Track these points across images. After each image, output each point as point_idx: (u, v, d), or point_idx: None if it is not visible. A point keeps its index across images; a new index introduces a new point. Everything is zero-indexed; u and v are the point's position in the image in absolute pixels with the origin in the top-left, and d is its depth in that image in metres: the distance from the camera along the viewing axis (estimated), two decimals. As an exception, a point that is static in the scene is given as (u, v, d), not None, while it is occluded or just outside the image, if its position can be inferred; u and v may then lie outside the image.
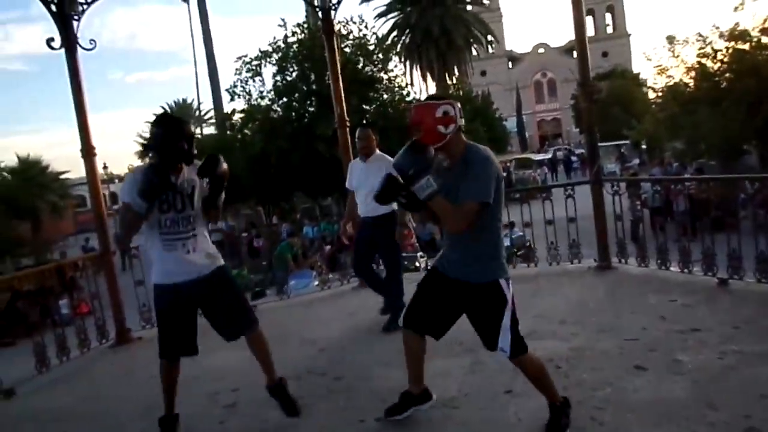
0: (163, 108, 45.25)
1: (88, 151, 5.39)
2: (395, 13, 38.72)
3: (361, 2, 36.59)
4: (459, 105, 2.76)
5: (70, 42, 5.26)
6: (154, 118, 3.16)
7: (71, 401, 4.21)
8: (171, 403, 3.32)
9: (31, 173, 28.56)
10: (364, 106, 19.04)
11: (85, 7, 5.37)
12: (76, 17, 5.31)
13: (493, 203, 2.62)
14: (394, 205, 4.74)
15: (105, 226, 5.73)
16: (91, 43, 5.41)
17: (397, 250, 4.98)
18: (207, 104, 45.83)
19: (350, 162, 5.36)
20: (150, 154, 3.06)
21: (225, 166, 3.09)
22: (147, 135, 44.29)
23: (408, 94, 20.64)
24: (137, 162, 49.52)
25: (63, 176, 31.53)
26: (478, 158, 2.65)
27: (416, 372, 3.07)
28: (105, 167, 39.61)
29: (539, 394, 2.89)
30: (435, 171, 2.67)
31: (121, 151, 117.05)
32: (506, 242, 3.82)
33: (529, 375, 2.85)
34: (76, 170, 35.69)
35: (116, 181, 56.19)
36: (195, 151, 3.09)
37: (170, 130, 3.01)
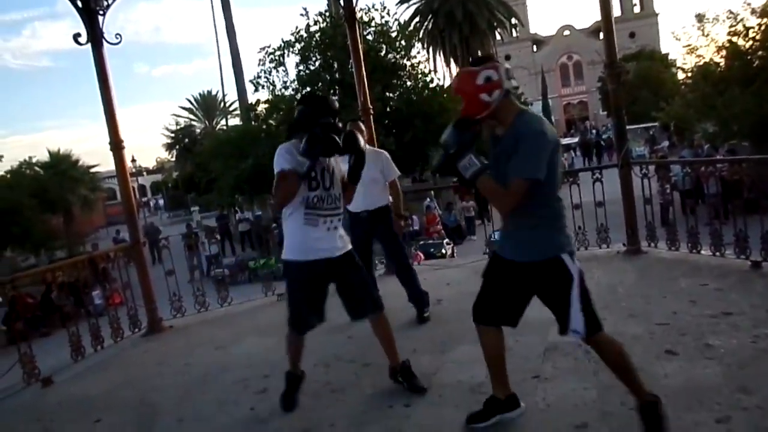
0: (188, 100, 45.68)
1: (116, 145, 5.47)
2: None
3: (383, -11, 36.37)
4: (506, 66, 2.53)
5: (96, 37, 5.33)
6: (300, 97, 3.27)
7: (106, 389, 4.31)
8: (297, 365, 3.44)
9: (62, 167, 29.10)
10: (387, 94, 19.04)
11: (110, 2, 5.42)
12: (101, 12, 5.37)
13: (546, 177, 2.42)
14: (389, 197, 4.76)
15: (135, 218, 5.84)
16: (116, 38, 5.47)
17: (398, 239, 4.93)
18: (231, 95, 46.27)
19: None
20: (295, 135, 3.17)
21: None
22: (174, 126, 44.13)
23: (431, 81, 20.55)
24: (164, 154, 50.25)
25: (93, 170, 32.07)
26: (530, 131, 2.43)
27: (499, 373, 2.84)
28: (133, 160, 40.25)
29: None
30: (486, 141, 2.58)
31: (148, 144, 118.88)
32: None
33: (608, 359, 2.61)
34: (105, 163, 36.28)
35: (144, 173, 57.25)
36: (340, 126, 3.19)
37: (316, 107, 3.11)
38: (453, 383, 3.39)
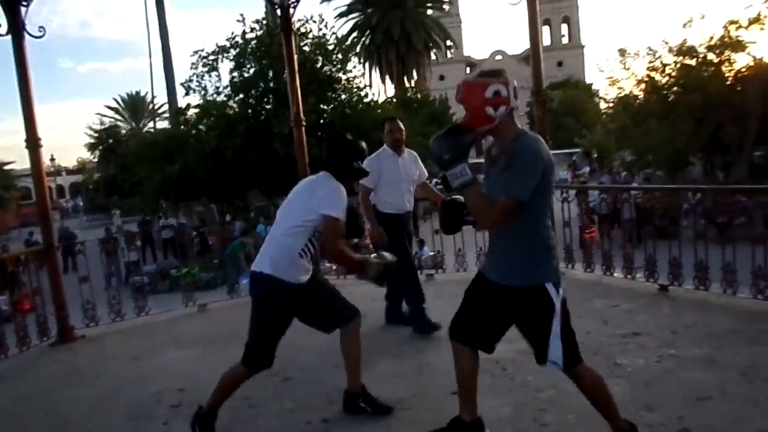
0: (115, 100, 44.19)
1: (33, 143, 5.21)
2: (356, 14, 38.79)
3: (322, 2, 36.44)
4: (515, 84, 2.43)
5: (16, 28, 5.08)
6: (331, 139, 3.23)
7: (9, 401, 4.06)
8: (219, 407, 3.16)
9: (-28, 163, 27.43)
10: (321, 106, 18.99)
11: (33, -8, 5.19)
12: (24, 3, 5.13)
13: (536, 201, 2.36)
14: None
15: (49, 220, 5.56)
16: (39, 30, 5.24)
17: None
18: (161, 98, 44.93)
19: (371, 156, 4.44)
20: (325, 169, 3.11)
21: None
22: (98, 126, 42.25)
23: (366, 95, 20.69)
24: (86, 154, 48.13)
25: (7, 167, 30.34)
26: (525, 150, 2.34)
27: (469, 395, 2.71)
28: (52, 159, 38.48)
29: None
30: (483, 157, 2.53)
31: (69, 143, 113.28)
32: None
33: (586, 390, 2.57)
34: (22, 161, 34.35)
35: (64, 173, 54.64)
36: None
37: (349, 153, 3.12)
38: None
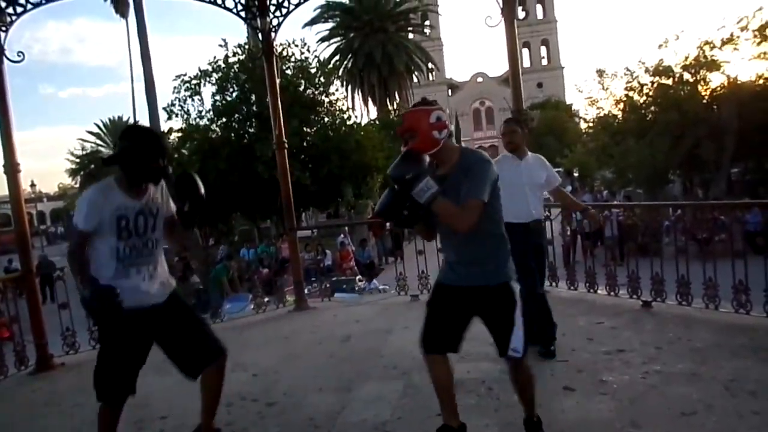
0: (97, 125, 43.95)
1: (12, 168, 5.15)
2: (338, 39, 39.19)
3: (304, 26, 36.82)
4: (448, 110, 2.71)
5: (-5, 53, 5.05)
6: (125, 129, 2.79)
7: (-17, 432, 3.95)
8: None
9: (-51, 190, 27.01)
10: (304, 129, 19.06)
11: (14, 18, 5.17)
12: (3, 29, 5.11)
13: (492, 203, 2.60)
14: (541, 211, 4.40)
15: (28, 246, 5.46)
16: (19, 56, 5.21)
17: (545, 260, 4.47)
18: (143, 122, 44.79)
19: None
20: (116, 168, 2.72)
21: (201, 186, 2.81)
22: (80, 152, 42.17)
23: (349, 118, 20.82)
24: (68, 180, 47.75)
25: (-15, 194, 29.94)
26: (477, 160, 2.61)
27: (450, 402, 2.82)
28: (33, 185, 38.01)
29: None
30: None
31: (50, 169, 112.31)
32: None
33: (521, 381, 2.81)
34: (1, 188, 33.95)
35: (44, 199, 54.03)
36: (170, 169, 2.75)
37: (143, 145, 2.65)
38: (357, 422, 3.36)
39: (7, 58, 5.14)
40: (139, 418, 3.74)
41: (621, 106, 19.28)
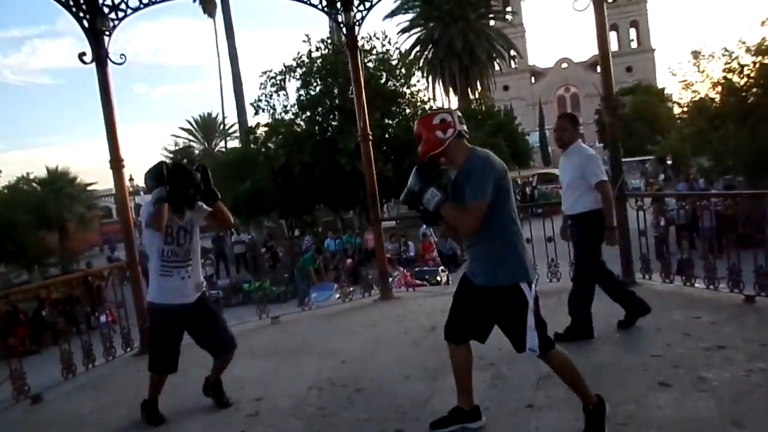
0: (188, 122, 45.87)
1: (116, 163, 5.50)
2: (418, 29, 39.02)
3: (384, 18, 36.96)
4: (458, 113, 2.91)
5: (101, 57, 5.40)
6: (158, 166, 3.57)
7: (95, 407, 4.27)
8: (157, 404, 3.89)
9: (59, 184, 29.08)
10: (386, 121, 19.20)
11: (116, 23, 5.51)
12: (107, 33, 5.45)
13: (499, 201, 2.70)
14: (598, 203, 4.32)
15: (131, 236, 5.83)
16: (121, 58, 5.55)
17: (588, 256, 4.43)
18: (231, 118, 46.51)
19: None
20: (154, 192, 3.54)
21: (198, 175, 3.59)
22: (172, 147, 44.25)
23: (430, 109, 20.75)
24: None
25: (90, 188, 32.06)
26: (476, 159, 2.74)
27: (466, 386, 3.07)
28: (131, 179, 40.25)
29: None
30: (445, 184, 2.83)
31: (146, 164, 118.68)
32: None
33: (558, 370, 2.87)
34: (102, 182, 36.27)
35: (142, 192, 57.16)
36: (210, 190, 3.66)
37: (179, 181, 3.51)
38: (445, 411, 3.36)
39: (111, 61, 5.48)
40: (236, 399, 3.93)
41: (719, 89, 18.16)
